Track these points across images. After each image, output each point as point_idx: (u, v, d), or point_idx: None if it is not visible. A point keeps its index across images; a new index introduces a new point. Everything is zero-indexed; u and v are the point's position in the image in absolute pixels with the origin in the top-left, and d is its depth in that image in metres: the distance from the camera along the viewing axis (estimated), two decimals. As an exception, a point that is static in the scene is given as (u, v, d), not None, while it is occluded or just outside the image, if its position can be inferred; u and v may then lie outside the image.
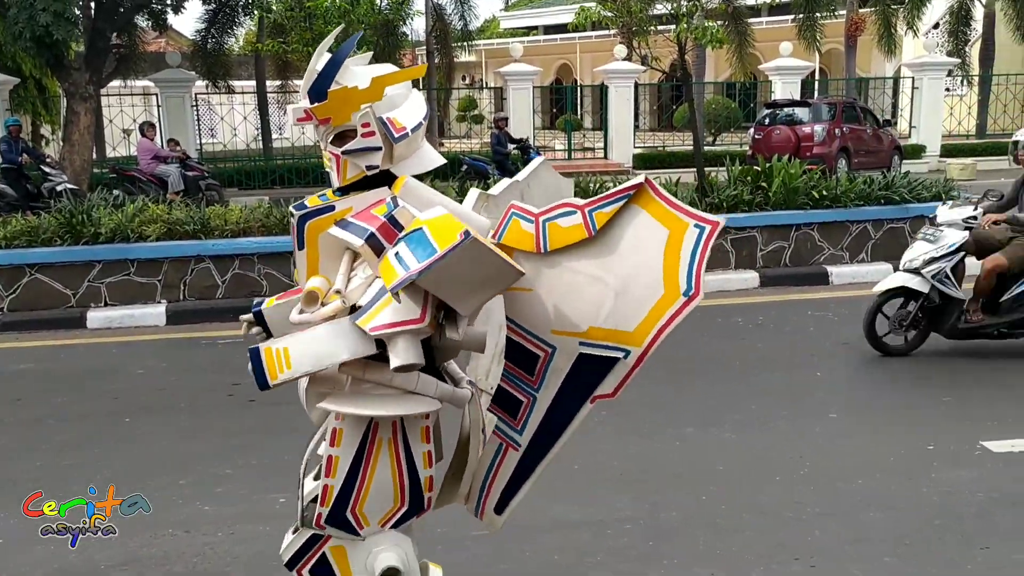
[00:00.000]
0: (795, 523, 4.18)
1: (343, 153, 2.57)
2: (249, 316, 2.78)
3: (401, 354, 2.32)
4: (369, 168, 2.57)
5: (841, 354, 6.92)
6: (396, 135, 2.53)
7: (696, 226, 2.28)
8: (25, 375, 6.99)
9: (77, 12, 15.44)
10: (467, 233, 2.21)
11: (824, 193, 9.48)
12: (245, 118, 22.15)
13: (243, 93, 22.80)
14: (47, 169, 14.35)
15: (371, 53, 2.78)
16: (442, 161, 2.76)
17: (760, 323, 8.04)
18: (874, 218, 9.62)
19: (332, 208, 2.60)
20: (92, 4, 16.48)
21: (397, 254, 2.33)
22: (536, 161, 2.90)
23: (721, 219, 2.30)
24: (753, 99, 25.94)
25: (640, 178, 2.37)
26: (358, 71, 2.58)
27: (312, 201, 2.66)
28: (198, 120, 20.53)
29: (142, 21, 19.17)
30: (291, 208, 2.71)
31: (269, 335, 2.71)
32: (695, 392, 6.13)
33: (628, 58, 21.04)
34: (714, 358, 6.93)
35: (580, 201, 2.43)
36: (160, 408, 6.05)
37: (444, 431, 2.80)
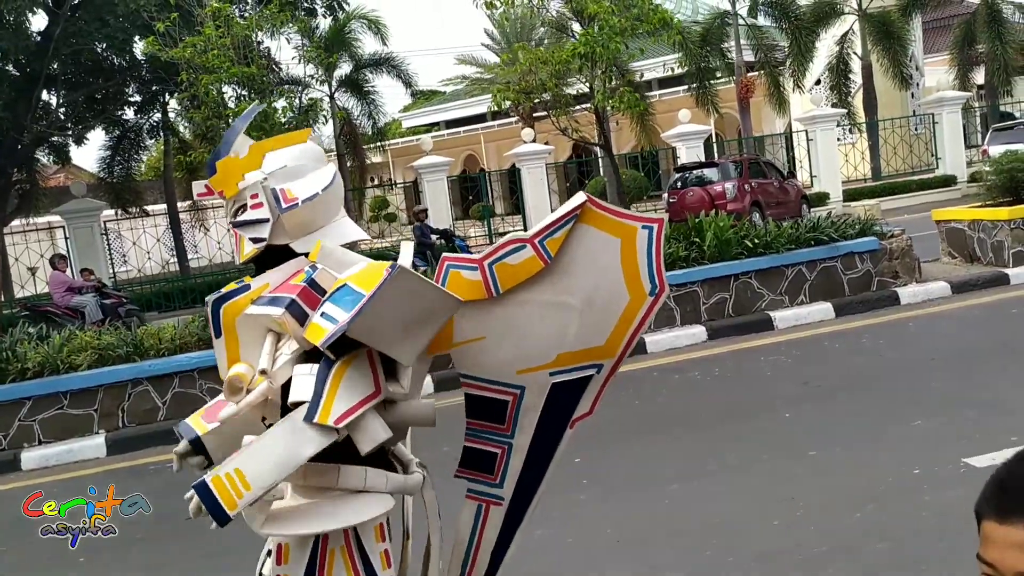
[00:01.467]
0: (806, 565, 4.09)
1: (233, 226, 2.48)
2: (182, 446, 2.48)
3: (371, 434, 2.14)
4: (255, 241, 2.43)
5: (804, 394, 6.96)
6: (284, 205, 2.40)
7: (644, 227, 2.29)
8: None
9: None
10: (393, 265, 2.11)
11: (756, 241, 9.71)
12: (158, 240, 21.74)
13: (155, 215, 22.42)
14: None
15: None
16: (362, 235, 2.67)
17: (717, 374, 8.06)
18: (807, 259, 9.86)
19: (247, 288, 2.46)
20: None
21: (323, 313, 2.17)
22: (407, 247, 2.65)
23: (663, 216, 2.37)
24: (657, 168, 26.82)
25: (581, 197, 2.32)
26: (244, 142, 2.51)
27: (230, 287, 2.52)
28: (109, 248, 20.02)
29: (43, 156, 18.83)
30: (207, 297, 2.55)
31: (210, 463, 2.44)
32: (670, 448, 6.05)
33: (534, 140, 21.55)
34: (680, 413, 6.89)
35: (525, 234, 2.34)
36: (115, 545, 5.62)
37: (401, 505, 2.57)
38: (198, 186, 2.63)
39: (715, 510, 4.84)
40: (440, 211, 20.24)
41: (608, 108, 9.72)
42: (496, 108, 9.54)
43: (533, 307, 2.34)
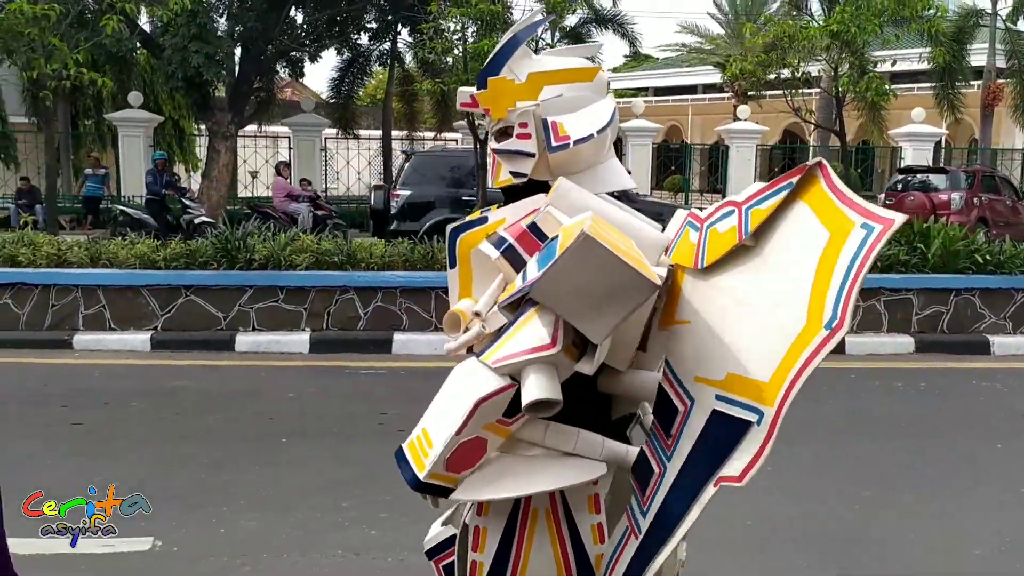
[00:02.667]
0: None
1: (494, 151, 2.28)
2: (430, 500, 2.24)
3: (531, 389, 1.86)
4: (515, 175, 2.23)
5: (1020, 426, 6.45)
6: (554, 143, 2.14)
7: (863, 226, 1.72)
8: (181, 392, 7.11)
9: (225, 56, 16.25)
10: (583, 230, 1.78)
11: (988, 258, 9.02)
12: (369, 163, 22.79)
13: (369, 139, 23.50)
14: (187, 202, 14.99)
15: (596, 46, 2.45)
16: (629, 183, 2.33)
17: (923, 389, 7.59)
18: (1044, 287, 9.08)
19: (484, 220, 2.30)
20: (238, 50, 17.30)
21: (525, 268, 1.98)
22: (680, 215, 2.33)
23: (899, 217, 1.70)
24: (872, 166, 25.30)
25: (815, 160, 1.87)
26: (534, 62, 2.24)
27: (471, 216, 2.38)
28: (325, 163, 21.20)
29: (281, 70, 20.07)
30: (447, 225, 2.43)
31: None
32: (864, 453, 5.78)
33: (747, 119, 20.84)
34: (879, 420, 6.56)
35: (740, 197, 1.96)
36: (313, 432, 6.04)
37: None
38: (463, 95, 2.47)
39: (909, 526, 4.60)
40: (640, 177, 20.01)
41: (850, 94, 9.22)
42: (729, 78, 9.25)
43: (724, 297, 1.95)
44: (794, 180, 1.85)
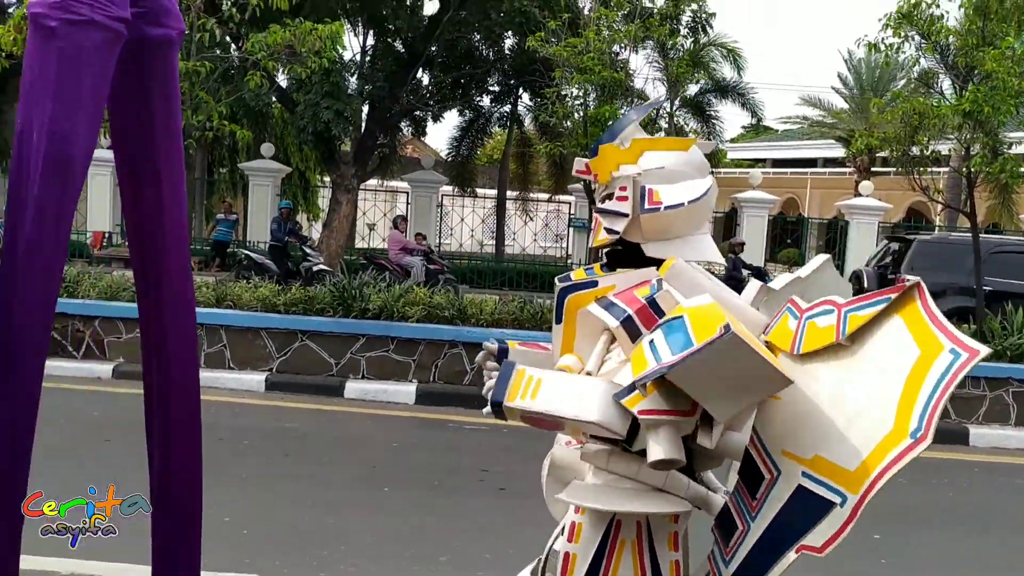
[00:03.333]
0: None
1: (595, 212, 2.50)
2: (493, 346, 2.66)
3: (664, 445, 2.06)
4: (609, 232, 2.43)
5: None
6: (646, 206, 2.38)
7: (952, 351, 1.93)
8: (291, 433, 7.34)
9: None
10: (727, 327, 1.95)
11: None
12: (483, 221, 23.25)
13: (484, 198, 24.01)
14: (308, 251, 15.59)
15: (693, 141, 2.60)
16: (718, 258, 2.54)
17: (1053, 488, 7.12)
18: None
19: (595, 284, 2.47)
20: (365, 107, 18.07)
21: (652, 342, 2.13)
22: (820, 258, 2.55)
23: (984, 349, 1.92)
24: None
25: (914, 279, 2.07)
26: (640, 133, 2.53)
27: (578, 274, 2.55)
28: (440, 219, 21.74)
29: (404, 127, 20.83)
30: (556, 279, 2.60)
31: None
32: (984, 547, 5.44)
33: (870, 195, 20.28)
34: (1001, 516, 6.17)
35: (842, 300, 2.17)
36: (415, 483, 6.11)
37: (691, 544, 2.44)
38: (579, 163, 2.67)
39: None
40: (755, 248, 19.70)
41: (982, 175, 8.90)
42: (853, 153, 9.09)
43: (818, 386, 2.13)
44: (893, 296, 2.05)
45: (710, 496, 2.33)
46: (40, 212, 2.26)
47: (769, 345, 2.21)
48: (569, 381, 2.22)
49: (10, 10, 17.17)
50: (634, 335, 2.22)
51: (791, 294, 2.37)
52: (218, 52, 11.66)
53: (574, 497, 2.26)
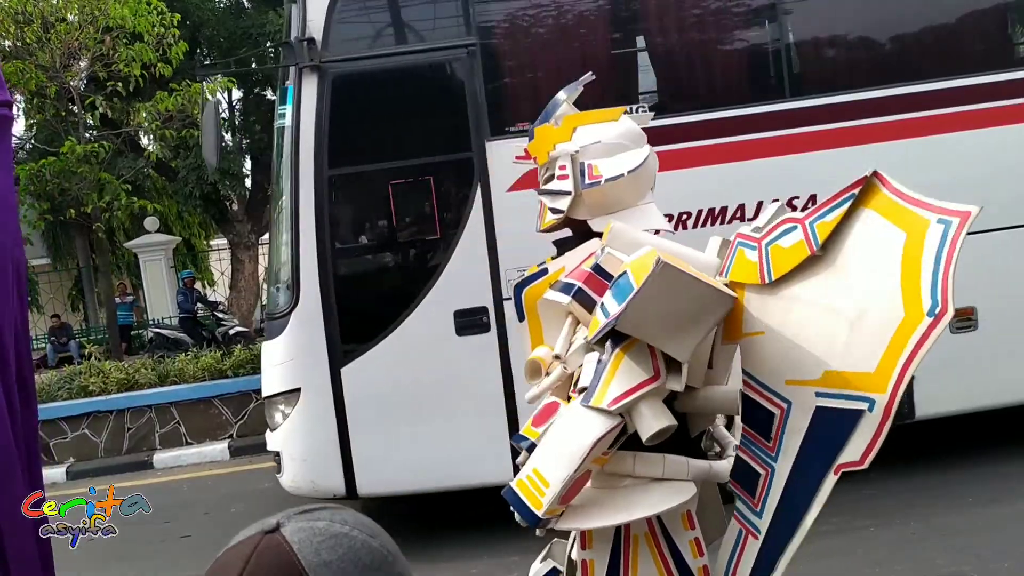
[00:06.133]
0: None
1: (538, 194, 2.52)
2: (522, 457, 2.42)
3: (649, 421, 2.01)
4: (554, 211, 2.45)
5: None
6: (587, 181, 2.38)
7: (940, 221, 1.80)
8: (273, 493, 7.24)
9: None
10: (658, 260, 1.92)
11: None
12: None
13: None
14: (220, 315, 15.20)
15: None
16: (664, 224, 2.53)
17: None
18: None
19: (545, 272, 2.49)
20: (248, 161, 17.82)
21: (602, 304, 2.09)
22: (775, 205, 2.43)
23: (973, 208, 1.79)
24: None
25: (868, 170, 1.96)
26: (565, 113, 2.55)
27: (531, 270, 2.58)
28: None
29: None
30: (511, 281, 2.70)
31: None
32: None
33: None
34: None
35: (801, 214, 2.09)
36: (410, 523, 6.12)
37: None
38: (518, 150, 2.77)
39: None
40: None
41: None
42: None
43: (803, 307, 2.03)
44: (856, 192, 1.94)
45: (714, 466, 2.27)
46: None
47: (732, 285, 2.15)
48: (550, 442, 2.11)
49: None
50: (589, 305, 2.21)
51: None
52: (107, 131, 11.34)
53: (575, 523, 2.14)
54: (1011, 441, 5.31)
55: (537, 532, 2.24)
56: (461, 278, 4.83)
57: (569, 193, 2.42)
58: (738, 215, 4.89)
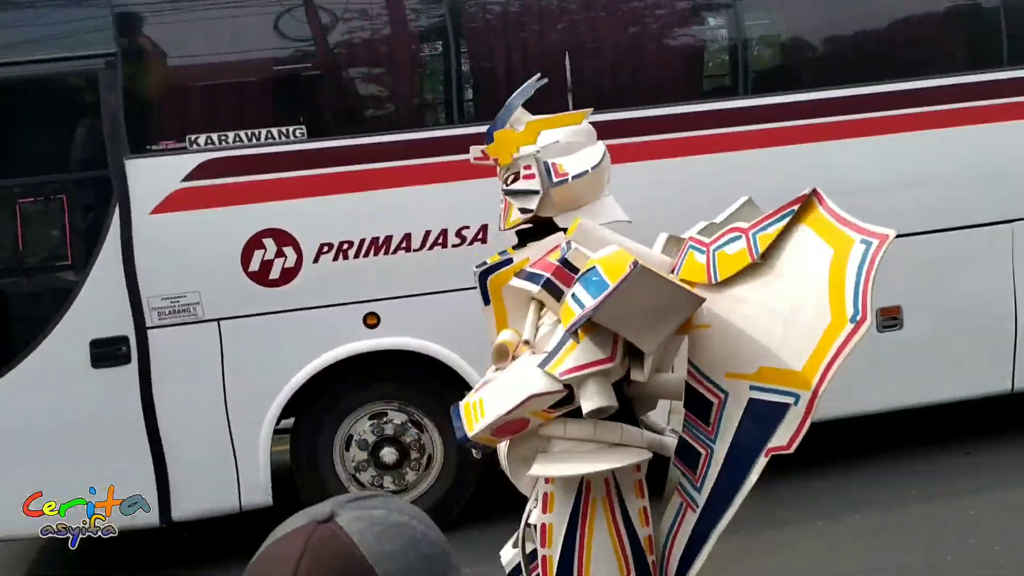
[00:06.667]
0: None
1: (504, 193, 2.71)
2: (475, 452, 2.77)
3: (592, 397, 2.25)
4: (523, 211, 2.64)
5: None
6: (554, 179, 2.58)
7: (862, 241, 2.08)
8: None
9: None
10: (635, 263, 2.18)
11: None
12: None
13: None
14: None
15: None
16: (623, 216, 2.72)
17: None
18: None
19: (510, 261, 2.70)
20: None
21: (574, 295, 2.32)
22: (741, 200, 2.66)
23: (891, 232, 2.06)
24: None
25: (807, 189, 2.25)
26: (525, 118, 2.76)
27: (492, 259, 2.78)
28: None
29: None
30: (473, 267, 2.80)
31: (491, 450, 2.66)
32: None
33: None
34: None
35: (746, 224, 2.35)
36: None
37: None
38: (475, 150, 2.96)
39: None
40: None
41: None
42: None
43: (745, 306, 2.29)
44: (795, 208, 2.22)
45: (663, 440, 2.51)
46: None
47: (684, 283, 2.37)
48: (500, 381, 2.43)
49: None
50: (557, 295, 2.42)
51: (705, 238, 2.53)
52: None
53: (544, 468, 2.40)
54: (950, 437, 5.35)
55: (474, 454, 2.64)
56: (97, 305, 4.47)
57: (537, 192, 2.59)
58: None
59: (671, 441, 2.50)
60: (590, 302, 2.22)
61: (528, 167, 2.62)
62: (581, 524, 2.41)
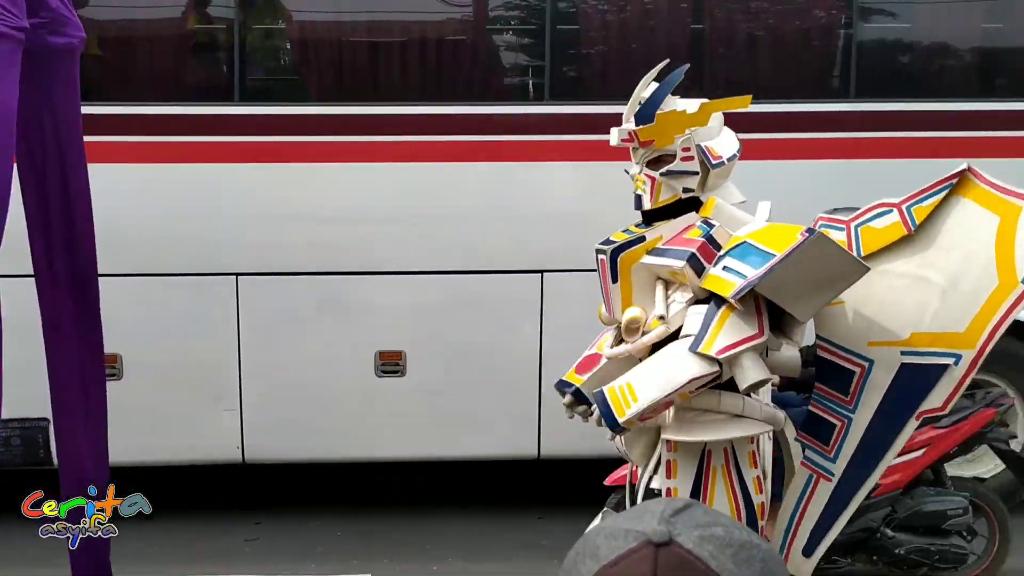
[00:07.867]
0: None
1: (661, 175, 2.65)
2: (567, 399, 2.84)
3: (751, 372, 2.35)
4: (685, 191, 2.66)
5: None
6: (714, 162, 2.62)
7: None
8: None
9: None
10: (811, 230, 2.24)
11: None
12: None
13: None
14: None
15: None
16: (742, 198, 2.76)
17: None
18: None
19: (643, 239, 2.68)
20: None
21: (725, 267, 2.38)
22: (767, 204, 2.73)
23: None
24: None
25: (962, 165, 2.32)
26: (680, 100, 2.72)
27: (618, 236, 2.73)
28: None
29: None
30: (598, 245, 2.74)
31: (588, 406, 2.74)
32: None
33: None
34: None
35: (895, 199, 2.42)
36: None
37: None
38: (622, 132, 2.65)
39: None
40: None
41: None
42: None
43: (893, 278, 2.36)
44: (952, 182, 2.29)
45: (776, 413, 2.59)
46: None
47: None
48: (649, 366, 2.47)
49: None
50: (699, 271, 2.49)
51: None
52: None
53: (676, 434, 2.53)
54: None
55: (608, 438, 2.63)
56: None
57: (697, 173, 2.63)
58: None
59: (781, 414, 2.60)
60: (751, 272, 2.30)
61: (687, 148, 2.63)
62: (703, 489, 2.55)
